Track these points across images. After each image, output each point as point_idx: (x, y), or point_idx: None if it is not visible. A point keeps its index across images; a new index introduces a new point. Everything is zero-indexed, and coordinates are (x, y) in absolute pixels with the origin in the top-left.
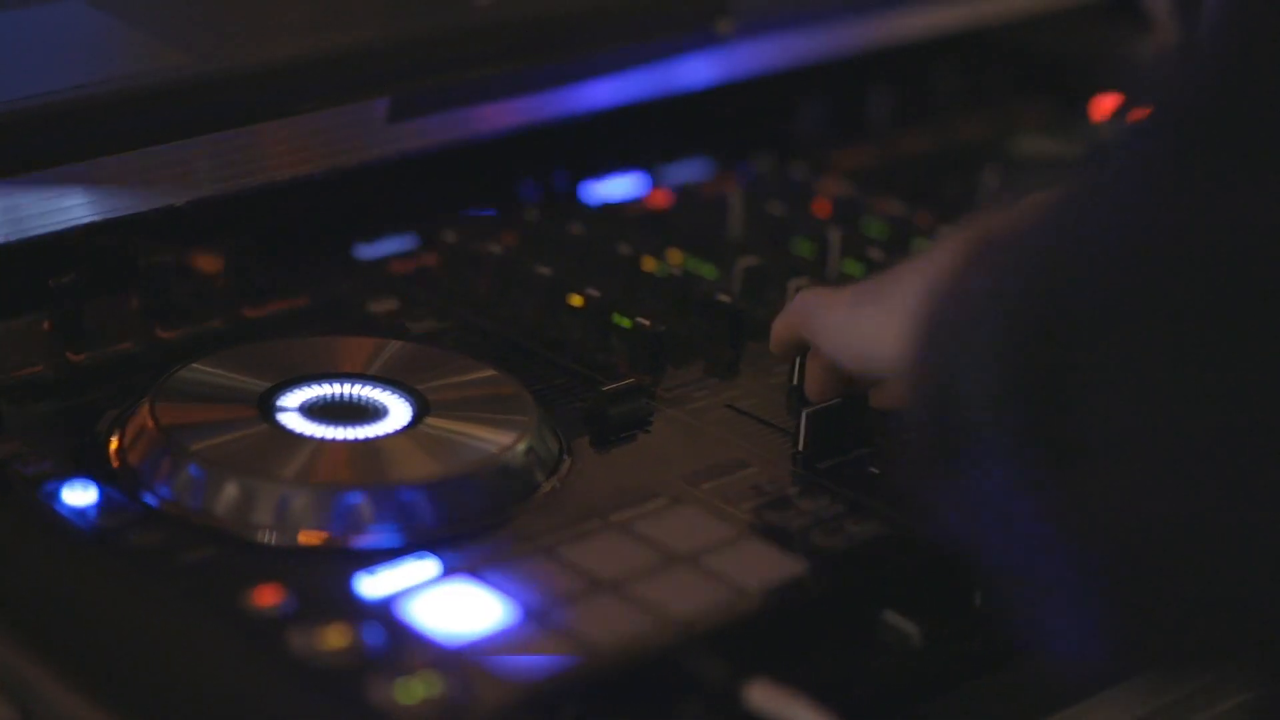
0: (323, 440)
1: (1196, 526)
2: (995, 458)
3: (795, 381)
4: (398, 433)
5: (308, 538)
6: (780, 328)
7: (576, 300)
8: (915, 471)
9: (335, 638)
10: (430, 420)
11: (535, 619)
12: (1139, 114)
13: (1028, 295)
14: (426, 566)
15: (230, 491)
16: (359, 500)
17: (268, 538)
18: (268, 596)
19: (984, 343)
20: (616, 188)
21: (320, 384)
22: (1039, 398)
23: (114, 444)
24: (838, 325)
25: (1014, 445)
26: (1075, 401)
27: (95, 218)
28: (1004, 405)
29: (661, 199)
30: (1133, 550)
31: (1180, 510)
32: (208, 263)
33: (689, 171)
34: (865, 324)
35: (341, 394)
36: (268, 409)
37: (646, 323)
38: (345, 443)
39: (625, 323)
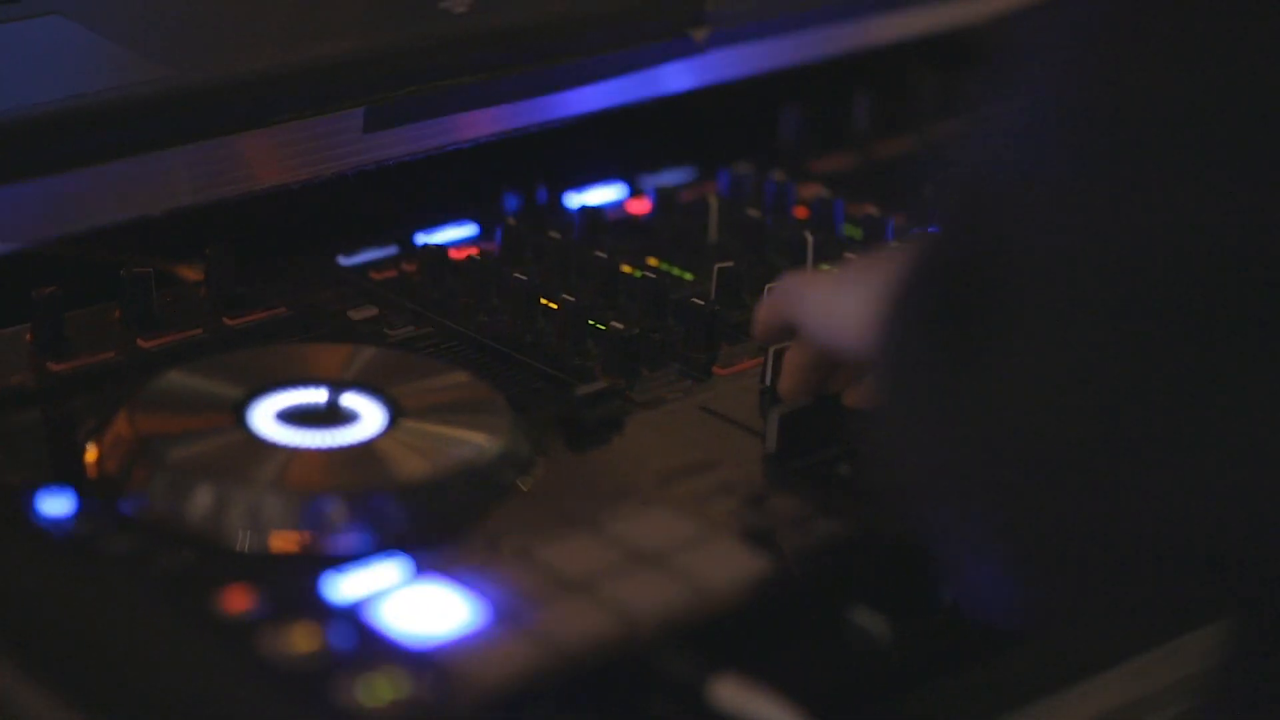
0: (297, 446)
1: (1089, 446)
2: (918, 378)
3: (768, 383)
4: (372, 438)
5: (282, 543)
6: (765, 310)
7: (552, 305)
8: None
9: (305, 640)
10: (404, 424)
11: (505, 620)
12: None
13: (951, 239)
14: (397, 569)
15: (205, 498)
16: (333, 505)
17: (242, 543)
18: (239, 601)
19: (913, 314)
20: (595, 195)
21: (296, 390)
22: (955, 312)
23: (92, 452)
24: (821, 304)
25: (930, 357)
26: (985, 315)
27: (76, 229)
28: (927, 327)
29: (640, 205)
30: (1033, 466)
31: (1074, 426)
32: (188, 272)
33: (667, 178)
34: (848, 304)
35: (317, 400)
36: (243, 416)
37: (620, 326)
38: (320, 448)
39: (601, 327)
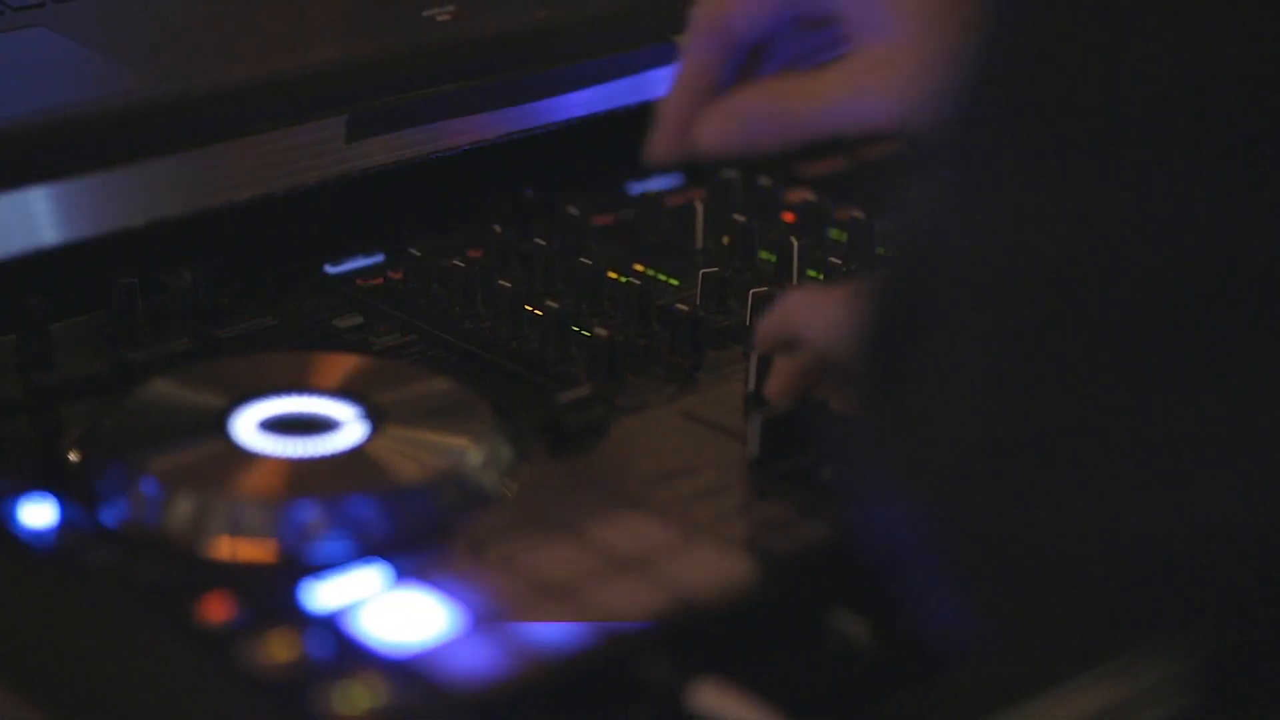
0: (279, 455)
1: (1013, 460)
2: (861, 404)
3: (752, 388)
4: (354, 446)
5: (263, 552)
6: (769, 325)
7: (537, 312)
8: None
9: (283, 649)
10: (386, 432)
11: (485, 626)
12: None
13: (890, 273)
14: (377, 576)
15: (186, 508)
16: (314, 513)
17: (224, 553)
18: (218, 610)
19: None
20: (581, 201)
21: (278, 399)
22: (881, 367)
23: (74, 462)
24: (833, 322)
25: (869, 388)
26: (913, 351)
27: (61, 239)
28: (871, 349)
29: (626, 211)
30: (965, 482)
31: (996, 439)
32: (175, 282)
33: (654, 184)
34: (853, 321)
35: (299, 409)
36: (226, 425)
37: (604, 332)
38: (302, 457)
39: (585, 333)
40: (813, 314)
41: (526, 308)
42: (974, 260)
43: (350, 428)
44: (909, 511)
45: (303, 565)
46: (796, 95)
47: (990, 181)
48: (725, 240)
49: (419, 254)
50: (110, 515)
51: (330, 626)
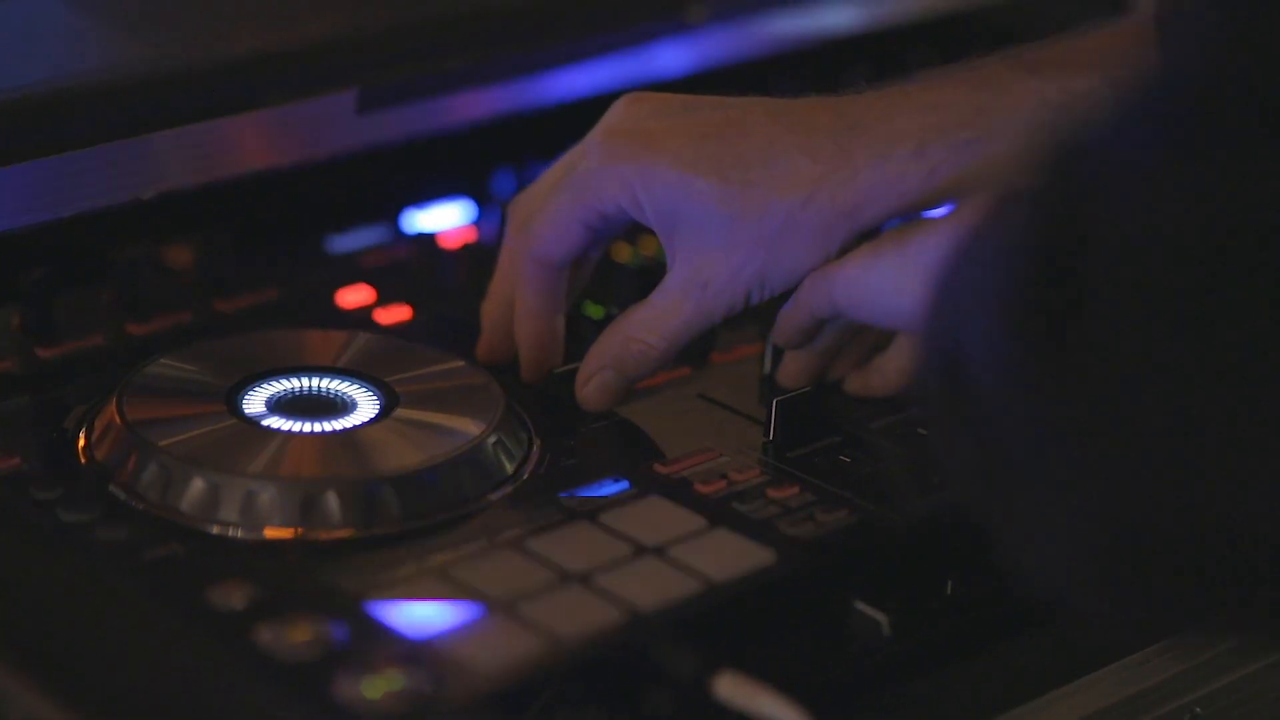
0: (290, 434)
1: (1182, 454)
2: (999, 397)
3: (767, 370)
4: (365, 425)
5: (275, 532)
6: (794, 310)
7: None
8: (927, 426)
9: (301, 632)
10: (398, 412)
11: (502, 611)
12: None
13: (1036, 242)
14: (394, 558)
15: (196, 487)
16: (326, 494)
17: (234, 532)
18: (233, 592)
19: (991, 293)
20: None
21: (288, 378)
22: (1041, 334)
23: (82, 440)
24: (855, 277)
25: (1016, 378)
26: (1076, 334)
27: (65, 212)
28: (1009, 339)
29: None
30: (1121, 472)
31: (1168, 439)
32: (179, 256)
33: None
34: (886, 275)
35: (309, 387)
36: (235, 404)
37: (616, 312)
38: (312, 436)
39: (597, 312)
40: (837, 270)
41: None
42: (1147, 233)
43: (363, 407)
44: (1059, 484)
45: (316, 545)
46: (642, 330)
47: (1180, 159)
48: None
49: (426, 230)
50: (120, 493)
51: (343, 609)
